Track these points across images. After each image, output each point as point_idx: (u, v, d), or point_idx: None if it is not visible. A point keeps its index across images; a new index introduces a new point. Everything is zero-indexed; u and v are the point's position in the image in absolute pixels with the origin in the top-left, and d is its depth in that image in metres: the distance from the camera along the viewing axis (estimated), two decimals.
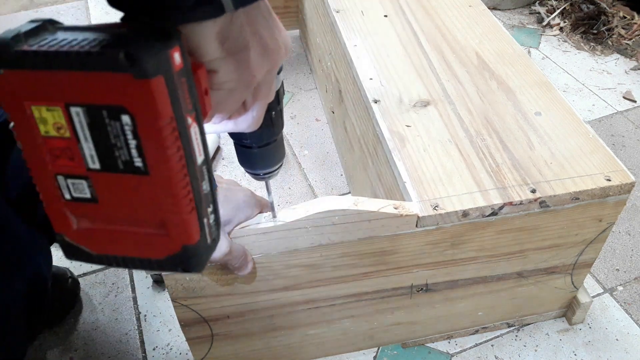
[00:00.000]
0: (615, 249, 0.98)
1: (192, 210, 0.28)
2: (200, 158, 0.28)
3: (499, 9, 1.67)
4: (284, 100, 1.30)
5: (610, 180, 0.64)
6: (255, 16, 0.31)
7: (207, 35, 0.29)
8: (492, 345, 0.83)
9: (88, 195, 0.27)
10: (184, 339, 0.71)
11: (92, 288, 0.92)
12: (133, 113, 0.24)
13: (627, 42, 1.52)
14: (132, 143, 0.25)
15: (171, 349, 0.83)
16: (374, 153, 0.78)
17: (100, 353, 0.82)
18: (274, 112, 0.43)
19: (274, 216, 0.58)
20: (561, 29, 1.58)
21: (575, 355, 0.82)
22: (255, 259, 0.61)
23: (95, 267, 0.94)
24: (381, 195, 0.78)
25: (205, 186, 0.29)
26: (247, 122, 0.37)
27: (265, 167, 0.48)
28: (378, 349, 0.82)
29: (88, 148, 0.26)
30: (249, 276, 0.63)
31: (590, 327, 0.85)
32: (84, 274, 0.94)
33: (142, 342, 0.84)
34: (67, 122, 0.25)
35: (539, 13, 1.64)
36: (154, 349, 0.83)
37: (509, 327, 0.85)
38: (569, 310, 0.84)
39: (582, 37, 1.55)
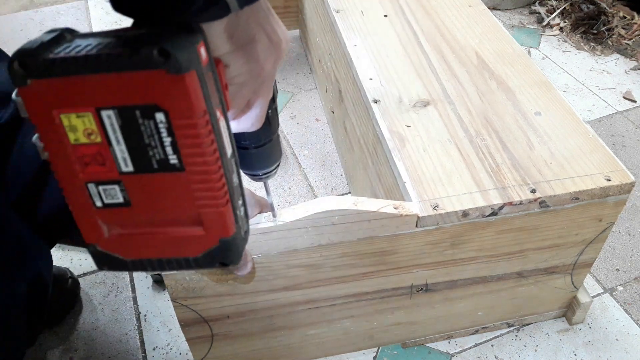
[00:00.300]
0: (615, 249, 0.98)
1: (228, 202, 0.28)
2: (229, 151, 0.29)
3: (499, 9, 1.67)
4: (284, 100, 1.30)
5: (610, 180, 0.64)
6: (258, 11, 0.33)
7: (215, 31, 0.30)
8: (492, 345, 0.83)
9: (120, 200, 0.27)
10: (184, 339, 0.71)
11: (92, 288, 0.92)
12: (167, 110, 0.24)
13: (627, 42, 1.52)
14: (167, 140, 0.25)
15: (171, 349, 0.83)
16: (374, 153, 0.78)
17: (100, 353, 0.82)
18: (270, 110, 0.43)
19: (274, 216, 0.58)
20: (561, 29, 1.58)
21: (575, 355, 0.82)
22: (255, 259, 0.61)
23: (95, 266, 0.94)
24: (381, 195, 0.78)
25: (235, 179, 0.30)
26: (250, 120, 0.38)
27: (263, 168, 0.48)
28: (378, 349, 0.82)
29: (120, 151, 0.25)
30: (248, 276, 0.63)
31: (590, 327, 0.85)
32: (84, 274, 0.94)
33: (142, 342, 0.84)
34: (98, 127, 0.25)
35: (539, 13, 1.64)
36: (154, 349, 0.83)
37: (509, 327, 0.85)
38: (569, 310, 0.84)
39: (582, 37, 1.55)
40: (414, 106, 0.75)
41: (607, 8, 1.59)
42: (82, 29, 1.56)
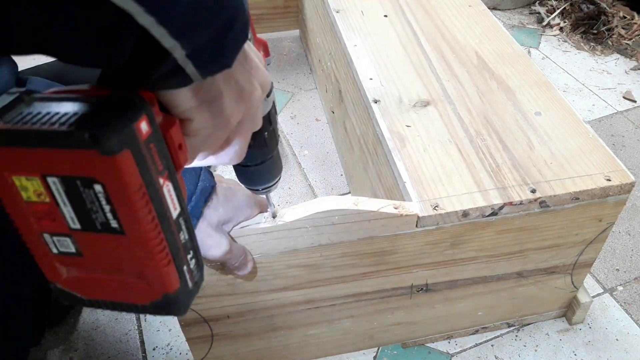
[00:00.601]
0: (615, 249, 0.98)
1: (169, 262, 0.30)
2: (175, 212, 0.30)
3: (499, 9, 1.67)
4: (284, 100, 1.30)
5: (610, 180, 0.64)
6: None
7: (178, 90, 0.29)
8: (492, 345, 0.83)
9: (73, 250, 0.29)
10: (184, 339, 0.71)
11: None
12: (104, 183, 0.26)
13: (627, 42, 1.52)
14: (107, 208, 0.27)
15: (171, 349, 0.83)
16: (374, 153, 0.78)
17: (100, 353, 0.82)
18: (266, 133, 0.43)
19: (274, 216, 0.58)
20: (561, 29, 1.58)
21: (575, 355, 0.82)
22: (255, 259, 0.61)
23: None
24: (381, 195, 0.78)
25: (183, 236, 0.31)
26: (228, 157, 0.37)
27: (262, 183, 0.48)
28: (378, 349, 0.82)
29: (68, 211, 0.27)
30: (249, 276, 0.63)
31: (590, 327, 0.85)
32: None
33: (142, 342, 0.84)
34: (46, 190, 0.27)
35: (539, 13, 1.64)
36: (154, 349, 0.83)
37: (509, 327, 0.85)
38: (569, 310, 0.84)
39: (582, 37, 1.55)
40: (414, 106, 0.75)
41: (607, 8, 1.59)
42: None
